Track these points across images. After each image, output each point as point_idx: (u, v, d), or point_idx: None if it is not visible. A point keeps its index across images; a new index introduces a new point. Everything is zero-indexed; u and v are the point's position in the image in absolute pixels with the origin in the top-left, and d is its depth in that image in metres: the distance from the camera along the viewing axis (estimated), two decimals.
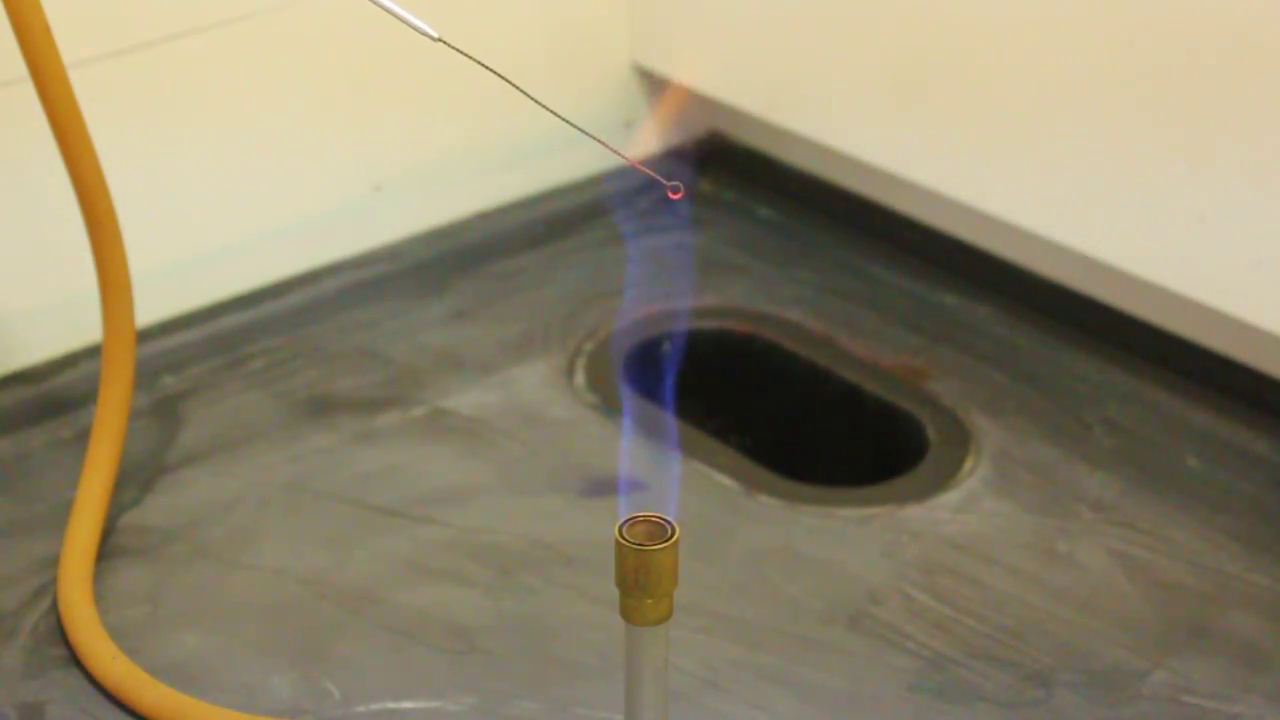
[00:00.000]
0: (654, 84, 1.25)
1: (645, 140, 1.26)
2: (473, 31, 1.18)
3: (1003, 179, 1.09)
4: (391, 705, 0.84)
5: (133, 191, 0.96)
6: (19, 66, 0.87)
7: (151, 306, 1.06)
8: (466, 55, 0.71)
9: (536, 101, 0.72)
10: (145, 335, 1.06)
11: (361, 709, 0.84)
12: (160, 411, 1.02)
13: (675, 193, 0.70)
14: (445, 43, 0.72)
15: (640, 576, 0.67)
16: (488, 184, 1.20)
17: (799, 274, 1.15)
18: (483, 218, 1.19)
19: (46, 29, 0.86)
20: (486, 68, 0.72)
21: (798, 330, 1.11)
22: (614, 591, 0.67)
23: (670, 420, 0.99)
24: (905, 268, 1.15)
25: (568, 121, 0.73)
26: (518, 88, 0.72)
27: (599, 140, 0.73)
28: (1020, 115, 1.07)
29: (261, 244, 1.12)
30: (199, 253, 1.10)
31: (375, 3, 0.72)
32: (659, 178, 0.70)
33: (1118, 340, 1.08)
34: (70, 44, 0.88)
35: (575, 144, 1.22)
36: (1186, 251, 1.02)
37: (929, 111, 1.11)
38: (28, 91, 0.88)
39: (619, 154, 0.72)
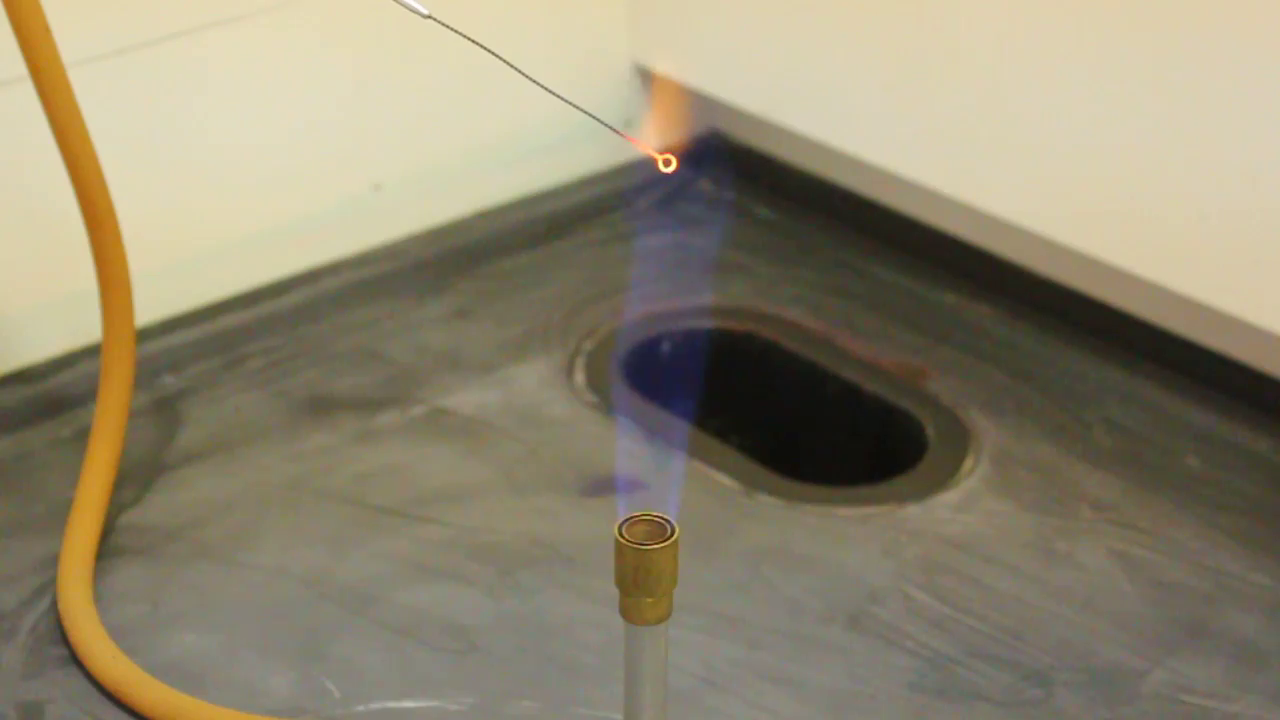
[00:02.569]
0: (654, 84, 1.25)
1: (645, 138, 1.26)
2: (473, 32, 1.18)
3: (1003, 179, 1.09)
4: (391, 705, 0.84)
5: (133, 191, 0.96)
6: (19, 66, 0.87)
7: (151, 306, 1.06)
8: (458, 33, 0.71)
9: (528, 77, 0.72)
10: (145, 335, 1.06)
11: (361, 709, 0.84)
12: (160, 411, 1.02)
13: (667, 165, 0.71)
14: (436, 20, 0.72)
15: (640, 576, 0.67)
16: (488, 184, 1.20)
17: (799, 274, 1.15)
18: (483, 217, 1.19)
19: (46, 29, 0.86)
20: (477, 44, 0.72)
21: (797, 330, 1.11)
22: (614, 591, 0.67)
23: (679, 420, 0.99)
24: (905, 268, 1.15)
25: (556, 95, 0.73)
26: (509, 64, 0.72)
27: (591, 115, 0.73)
28: (1019, 114, 1.07)
29: (261, 244, 1.12)
30: (199, 253, 1.10)
31: None
32: (650, 150, 0.70)
33: (1118, 340, 1.08)
34: (70, 44, 0.88)
35: (575, 144, 1.23)
36: (1186, 251, 1.02)
37: (929, 110, 1.11)
38: (28, 91, 0.88)
39: (613, 129, 0.72)
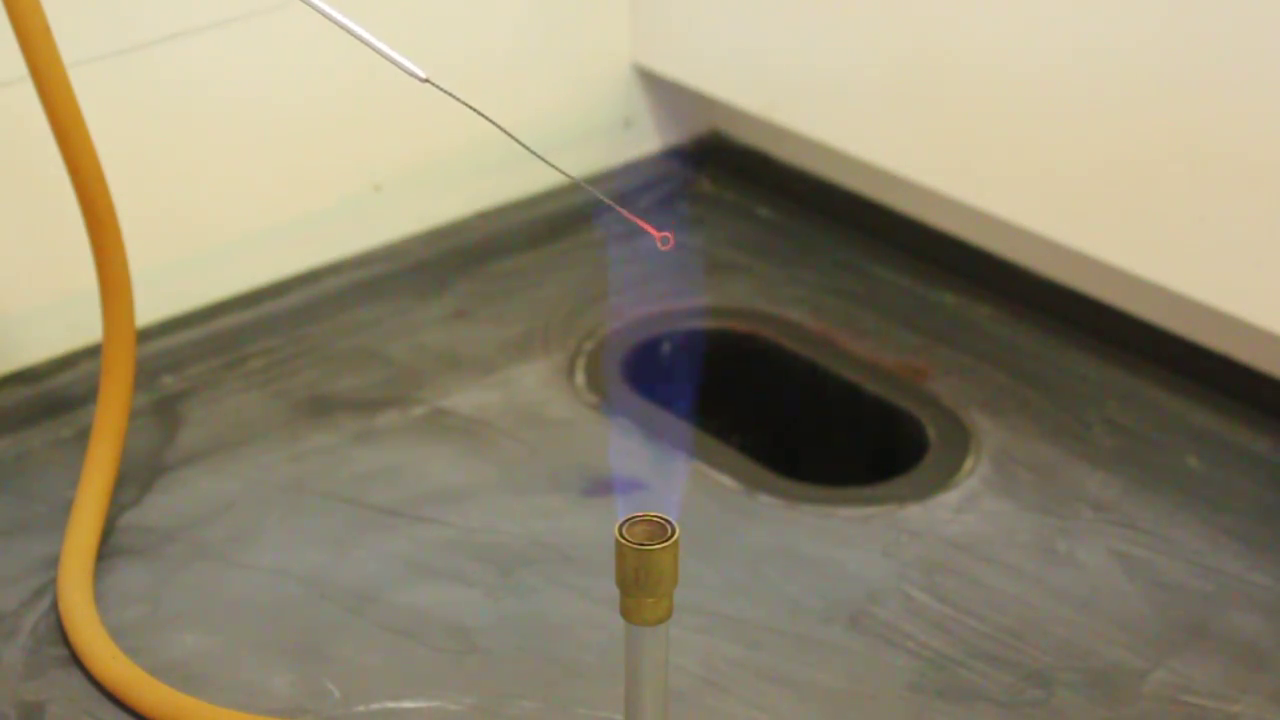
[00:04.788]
0: (654, 84, 1.25)
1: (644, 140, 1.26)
2: (473, 31, 1.19)
3: (1003, 179, 1.09)
4: (391, 705, 0.84)
5: (133, 191, 0.96)
6: (19, 66, 0.87)
7: (151, 306, 1.06)
8: (455, 97, 0.72)
9: (525, 147, 0.73)
10: (145, 335, 1.06)
11: (361, 709, 0.84)
12: (160, 411, 1.02)
13: (665, 245, 0.71)
14: (433, 84, 0.72)
15: (640, 576, 0.67)
16: (488, 184, 1.20)
17: (799, 274, 1.15)
18: (483, 218, 1.19)
19: (46, 29, 0.86)
20: (476, 111, 0.72)
21: (798, 330, 1.11)
22: (614, 591, 0.67)
23: (681, 421, 0.99)
24: (905, 268, 1.15)
25: (560, 170, 0.73)
26: (508, 133, 0.72)
27: (582, 184, 0.73)
28: (1020, 115, 1.07)
29: (261, 244, 1.12)
30: (199, 253, 1.10)
31: (364, 41, 0.73)
32: (648, 226, 0.70)
33: (1118, 340, 1.08)
34: (70, 44, 0.88)
35: (575, 144, 1.23)
36: (1186, 251, 1.02)
37: (929, 111, 1.11)
38: (28, 91, 0.88)
39: (608, 202, 0.72)
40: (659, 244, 0.71)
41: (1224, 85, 0.98)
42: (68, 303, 1.04)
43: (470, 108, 0.72)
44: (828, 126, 1.16)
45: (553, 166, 0.73)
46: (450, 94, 0.72)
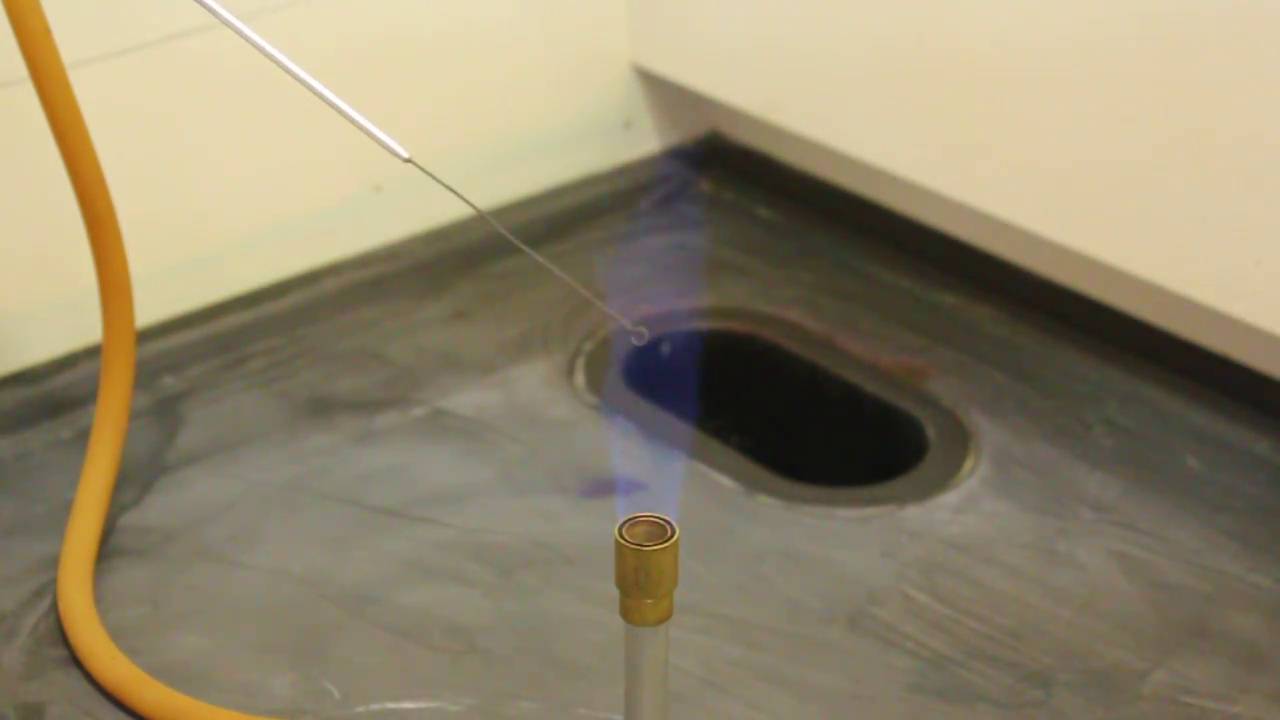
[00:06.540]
0: (653, 84, 1.25)
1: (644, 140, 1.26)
2: (473, 32, 1.19)
3: (1003, 179, 1.09)
4: (391, 705, 0.84)
5: (133, 191, 0.96)
6: (19, 66, 0.87)
7: (151, 306, 1.06)
8: (435, 178, 0.73)
9: (519, 245, 0.73)
10: (145, 335, 1.06)
11: (361, 709, 0.84)
12: (160, 411, 1.02)
13: (639, 339, 0.72)
14: (415, 164, 0.73)
15: (640, 577, 0.67)
16: (488, 184, 1.20)
17: (799, 274, 1.15)
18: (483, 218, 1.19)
19: (46, 29, 0.86)
20: (454, 192, 0.73)
21: (797, 330, 1.11)
22: (614, 591, 0.68)
23: (680, 421, 0.99)
24: (905, 268, 1.15)
25: (555, 271, 0.74)
26: (490, 219, 0.73)
27: (570, 281, 0.74)
28: (1019, 115, 1.07)
29: (261, 244, 1.12)
30: (199, 253, 1.10)
31: (353, 122, 0.74)
32: (625, 322, 0.71)
33: (1118, 340, 1.08)
34: (70, 44, 0.88)
35: (575, 144, 1.23)
36: (1186, 251, 1.02)
37: (929, 111, 1.11)
38: (28, 91, 0.88)
39: (591, 298, 0.73)
40: (634, 340, 0.73)
41: (1224, 85, 0.98)
42: (68, 303, 1.04)
43: (450, 189, 0.73)
44: (828, 126, 1.16)
45: (546, 265, 0.74)
46: (432, 175, 0.73)
